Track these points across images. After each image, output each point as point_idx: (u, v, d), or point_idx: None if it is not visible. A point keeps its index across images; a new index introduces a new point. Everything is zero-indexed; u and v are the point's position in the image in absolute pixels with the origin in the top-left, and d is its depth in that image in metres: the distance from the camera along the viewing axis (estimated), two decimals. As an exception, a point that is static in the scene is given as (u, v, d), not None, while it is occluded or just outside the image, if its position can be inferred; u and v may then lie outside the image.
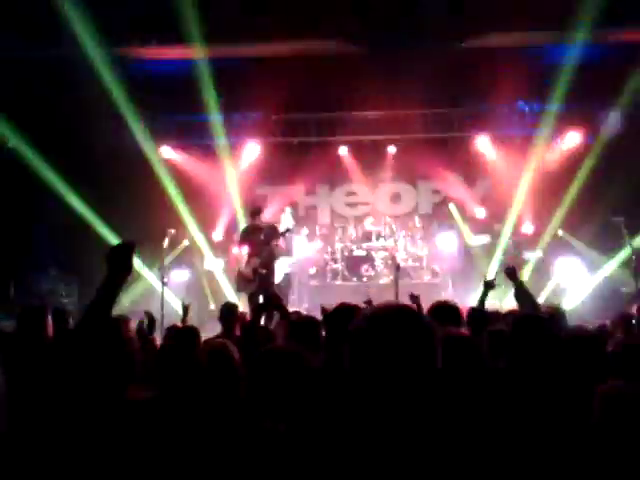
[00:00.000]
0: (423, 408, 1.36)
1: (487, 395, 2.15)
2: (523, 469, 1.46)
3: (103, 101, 9.38)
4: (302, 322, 3.35)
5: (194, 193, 10.47)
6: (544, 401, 2.12)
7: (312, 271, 10.67)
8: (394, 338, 1.38)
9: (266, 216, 11.37)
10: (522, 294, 3.96)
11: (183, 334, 3.53)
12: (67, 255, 9.26)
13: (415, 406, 1.35)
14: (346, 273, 9.88)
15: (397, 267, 8.06)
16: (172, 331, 4.12)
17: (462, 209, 11.34)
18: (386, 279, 9.81)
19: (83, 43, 8.47)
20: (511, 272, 4.08)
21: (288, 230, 8.34)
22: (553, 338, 2.28)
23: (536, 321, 2.37)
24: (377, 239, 10.24)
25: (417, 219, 10.88)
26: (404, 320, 1.42)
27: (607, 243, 8.99)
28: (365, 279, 9.78)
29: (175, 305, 9.82)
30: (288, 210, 11.34)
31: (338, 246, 10.32)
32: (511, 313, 4.11)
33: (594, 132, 10.49)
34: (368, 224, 10.51)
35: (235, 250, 8.09)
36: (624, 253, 8.58)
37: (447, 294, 10.38)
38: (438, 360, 1.41)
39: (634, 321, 4.03)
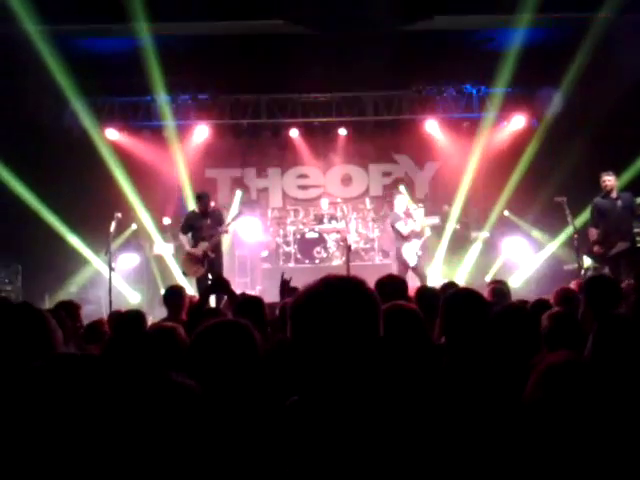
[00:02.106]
0: (363, 378, 1.37)
1: (427, 368, 2.18)
2: (458, 444, 1.48)
3: (44, 81, 9.04)
4: (247, 301, 3.34)
5: (142, 176, 10.22)
6: (478, 375, 2.15)
7: (264, 254, 10.64)
8: (331, 307, 1.38)
9: (216, 199, 11.35)
10: None
11: (128, 319, 3.45)
12: (8, 241, 8.93)
13: (355, 374, 1.36)
14: (299, 256, 9.88)
15: (348, 248, 8.12)
16: (115, 316, 4.03)
17: (412, 191, 11.48)
18: (338, 261, 9.87)
19: (21, 20, 8.12)
20: None
21: (239, 214, 8.29)
22: (485, 313, 2.33)
23: (467, 296, 2.41)
24: (329, 221, 10.26)
25: (368, 201, 10.95)
26: (341, 289, 1.42)
27: (551, 222, 9.25)
28: (317, 261, 9.80)
29: (123, 290, 9.68)
30: (238, 193, 11.29)
31: (290, 229, 10.30)
32: (449, 286, 4.19)
33: (538, 115, 10.75)
34: (324, 205, 10.53)
35: (180, 235, 7.99)
36: (567, 232, 8.85)
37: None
38: (379, 329, 1.42)
39: (572, 296, 4.15)
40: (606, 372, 1.63)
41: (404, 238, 8.21)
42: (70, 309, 4.84)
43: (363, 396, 1.35)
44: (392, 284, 3.38)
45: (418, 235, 8.45)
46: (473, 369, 2.19)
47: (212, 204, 8.23)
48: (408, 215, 8.44)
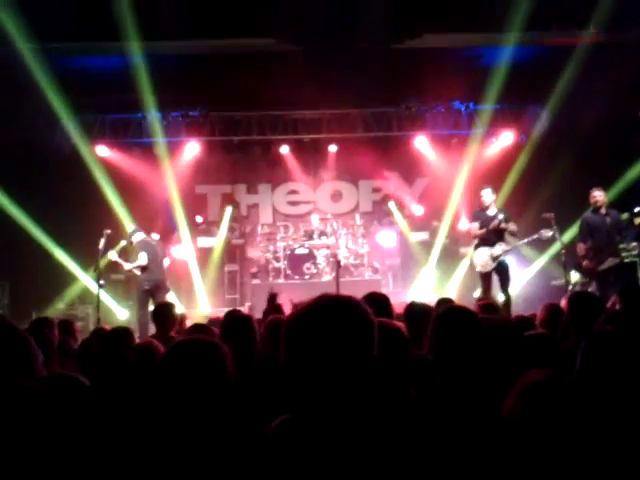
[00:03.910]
0: (358, 397, 1.37)
1: (411, 386, 2.19)
2: (449, 462, 1.50)
3: (35, 99, 9.06)
4: (236, 319, 3.34)
5: (132, 193, 10.22)
6: (469, 393, 2.16)
7: (253, 270, 10.66)
8: (325, 328, 1.38)
9: (206, 215, 11.37)
10: None
11: (113, 335, 3.44)
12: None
13: (350, 394, 1.37)
14: (288, 271, 9.89)
15: (338, 264, 8.14)
16: (99, 333, 4.01)
17: (401, 207, 11.55)
18: (328, 277, 9.88)
19: (13, 38, 8.15)
20: None
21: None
22: (475, 329, 2.35)
23: (457, 313, 2.43)
24: (319, 237, 10.29)
25: (358, 217, 11.00)
26: (336, 309, 1.43)
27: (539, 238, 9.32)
28: (307, 277, 9.81)
29: (112, 307, 9.64)
30: (229, 209, 11.31)
31: (280, 245, 10.32)
32: (444, 302, 4.20)
33: (526, 131, 10.87)
34: (315, 221, 10.58)
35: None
36: (555, 248, 8.92)
37: (388, 290, 10.56)
38: (374, 349, 1.43)
39: (559, 312, 4.18)
40: (590, 389, 1.65)
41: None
42: (66, 326, 4.89)
43: (356, 415, 1.36)
44: (375, 301, 3.39)
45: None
46: (464, 386, 2.20)
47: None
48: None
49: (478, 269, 7.42)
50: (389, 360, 2.29)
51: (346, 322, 1.39)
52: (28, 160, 9.67)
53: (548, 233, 7.30)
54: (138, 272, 7.89)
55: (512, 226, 7.50)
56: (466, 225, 7.67)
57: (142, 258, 7.82)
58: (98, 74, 9.43)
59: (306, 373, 1.37)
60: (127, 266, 7.88)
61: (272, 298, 4.40)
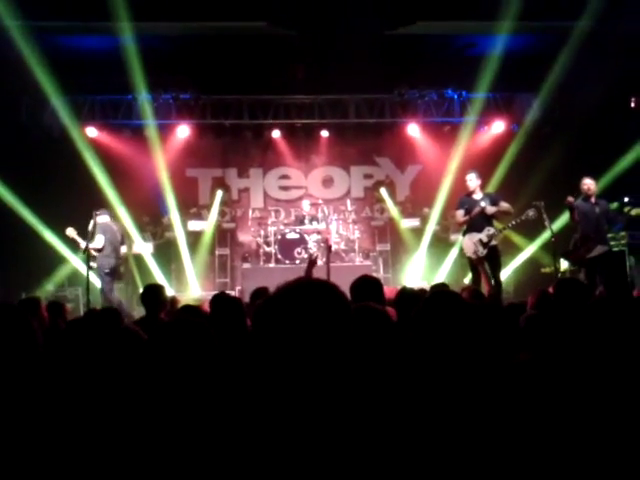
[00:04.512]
0: (333, 374, 1.38)
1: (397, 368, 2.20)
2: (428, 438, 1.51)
3: (24, 79, 8.95)
4: (225, 300, 3.35)
5: (122, 175, 10.14)
6: (449, 373, 2.17)
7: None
8: (300, 307, 1.39)
9: (197, 199, 11.33)
10: None
11: (103, 316, 3.43)
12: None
13: (325, 371, 1.37)
14: (279, 256, 9.88)
15: (329, 249, 8.10)
16: (91, 314, 3.99)
17: (393, 193, 11.56)
18: (319, 262, 9.87)
19: (1, 16, 8.02)
20: None
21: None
22: (462, 314, 2.35)
23: (443, 296, 2.44)
24: (310, 222, 10.28)
25: (349, 203, 11.00)
26: (311, 290, 1.44)
27: (529, 226, 9.37)
28: (298, 261, 9.80)
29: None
30: (219, 193, 11.27)
31: (271, 229, 10.30)
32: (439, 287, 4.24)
33: (518, 120, 10.89)
34: (306, 206, 10.57)
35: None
36: (545, 235, 8.97)
37: (378, 276, 10.60)
38: (348, 330, 1.43)
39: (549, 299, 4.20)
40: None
41: None
42: (56, 308, 4.87)
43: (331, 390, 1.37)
44: (366, 284, 3.40)
45: None
46: (450, 370, 2.21)
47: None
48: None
49: (468, 255, 7.38)
50: (374, 344, 2.30)
51: (318, 303, 1.39)
52: (17, 140, 9.57)
53: (532, 212, 7.24)
54: (95, 253, 7.70)
55: (504, 204, 7.39)
56: (457, 215, 7.53)
57: (98, 241, 7.66)
58: (88, 54, 9.33)
59: (277, 353, 1.37)
60: (83, 244, 7.60)
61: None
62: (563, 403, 1.87)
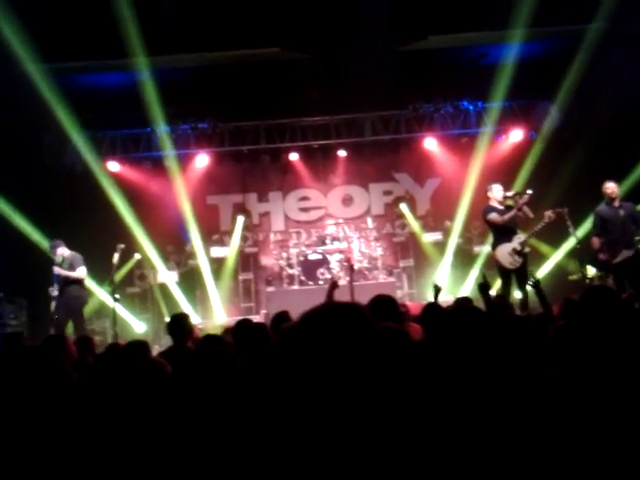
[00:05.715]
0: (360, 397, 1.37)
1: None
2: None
3: (45, 118, 9.18)
4: (249, 327, 3.34)
5: (144, 206, 10.32)
6: (474, 392, 2.13)
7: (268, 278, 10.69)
8: (327, 332, 1.38)
9: (218, 226, 11.43)
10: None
11: (128, 349, 3.46)
12: (13, 277, 8.98)
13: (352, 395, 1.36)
14: (302, 278, 9.88)
15: (351, 268, 8.10)
16: (113, 348, 4.02)
17: (413, 208, 11.52)
18: (342, 281, 9.82)
19: (22, 59, 8.26)
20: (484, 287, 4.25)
21: None
22: (484, 328, 2.32)
23: (467, 312, 2.41)
24: (332, 242, 10.28)
25: (370, 220, 10.98)
26: (338, 314, 1.43)
27: (553, 234, 9.23)
28: (322, 282, 9.79)
29: (129, 320, 9.71)
30: (240, 218, 11.36)
31: (293, 251, 10.32)
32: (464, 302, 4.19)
33: (536, 127, 10.80)
34: (327, 226, 10.61)
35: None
36: (570, 243, 8.83)
37: (403, 292, 10.53)
38: (375, 355, 1.42)
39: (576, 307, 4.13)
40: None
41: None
42: (85, 343, 4.95)
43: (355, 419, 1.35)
44: (381, 304, 3.37)
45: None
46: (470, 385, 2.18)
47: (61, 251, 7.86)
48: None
49: (506, 266, 7.23)
50: (393, 365, 2.27)
51: (346, 328, 1.39)
52: (41, 179, 9.77)
53: (549, 213, 7.11)
54: (74, 285, 7.60)
55: (529, 212, 7.31)
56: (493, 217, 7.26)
57: (82, 271, 7.67)
58: (106, 91, 9.55)
59: (305, 380, 1.37)
60: (65, 273, 7.57)
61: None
62: (597, 417, 1.82)
